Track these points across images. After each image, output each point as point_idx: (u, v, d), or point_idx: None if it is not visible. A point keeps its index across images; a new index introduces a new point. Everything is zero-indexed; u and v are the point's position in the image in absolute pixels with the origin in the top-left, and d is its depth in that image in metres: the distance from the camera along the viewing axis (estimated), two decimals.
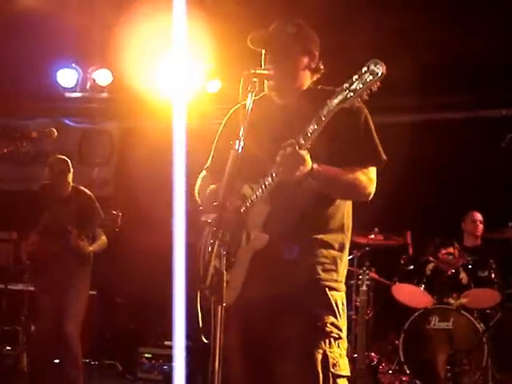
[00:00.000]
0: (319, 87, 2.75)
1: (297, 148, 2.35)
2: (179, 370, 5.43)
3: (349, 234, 2.72)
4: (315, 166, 2.41)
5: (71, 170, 5.42)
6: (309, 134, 2.36)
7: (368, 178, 2.59)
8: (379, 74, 2.21)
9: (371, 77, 2.22)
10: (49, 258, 5.23)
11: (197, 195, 2.93)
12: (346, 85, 2.29)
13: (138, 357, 6.53)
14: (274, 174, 2.46)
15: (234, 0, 6.34)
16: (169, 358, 6.44)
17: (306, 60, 2.72)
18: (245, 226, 2.55)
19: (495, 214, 6.34)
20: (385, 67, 2.22)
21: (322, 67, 2.77)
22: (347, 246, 2.72)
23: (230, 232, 2.50)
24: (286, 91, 2.72)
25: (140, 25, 6.14)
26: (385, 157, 2.65)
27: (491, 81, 6.51)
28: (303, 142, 2.37)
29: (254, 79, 2.51)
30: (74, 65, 7.44)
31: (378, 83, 2.23)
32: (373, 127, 2.66)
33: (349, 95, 2.27)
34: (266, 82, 2.67)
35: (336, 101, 2.30)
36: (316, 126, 2.35)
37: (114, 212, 5.20)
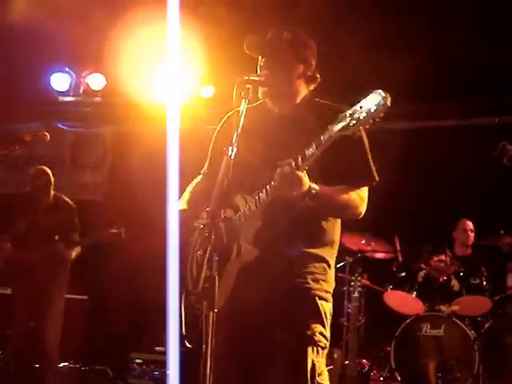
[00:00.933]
0: (316, 100, 2.76)
1: (294, 169, 2.36)
2: (173, 375, 5.44)
3: (336, 248, 2.75)
4: (313, 185, 2.43)
5: (52, 181, 5.61)
6: (307, 156, 2.37)
7: (360, 198, 2.63)
8: (384, 106, 2.22)
9: (375, 108, 2.22)
10: (26, 266, 5.34)
11: (183, 196, 2.92)
12: (350, 112, 2.28)
13: (129, 362, 6.50)
14: (268, 191, 2.46)
15: (228, 6, 6.35)
16: (160, 364, 6.42)
17: (301, 68, 2.72)
18: (236, 238, 2.55)
19: (487, 221, 6.36)
20: (390, 99, 2.22)
21: (318, 76, 2.78)
22: (334, 259, 2.75)
23: (221, 243, 2.52)
24: (280, 98, 2.72)
25: (134, 30, 6.14)
26: (377, 177, 2.68)
27: (484, 88, 6.53)
28: (301, 163, 2.37)
29: (248, 85, 2.52)
30: (67, 69, 7.43)
31: (382, 114, 2.23)
32: (367, 146, 2.68)
33: (351, 123, 2.27)
34: (260, 88, 2.67)
35: (338, 127, 2.30)
36: (315, 150, 2.35)
37: (115, 230, 5.45)
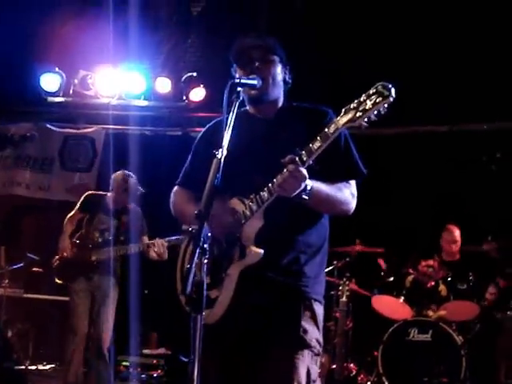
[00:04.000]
0: (295, 104, 2.78)
1: (300, 165, 2.34)
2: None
3: (327, 247, 2.76)
4: (310, 182, 2.41)
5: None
6: (313, 151, 2.35)
7: (351, 194, 2.64)
8: (388, 97, 2.23)
9: (380, 98, 2.23)
10: (88, 266, 5.39)
11: (172, 210, 2.90)
12: (354, 105, 2.29)
13: (116, 365, 6.47)
14: (272, 190, 2.44)
15: (220, 9, 6.36)
16: (147, 367, 6.40)
17: (284, 71, 2.74)
18: (238, 240, 2.53)
19: (475, 227, 6.38)
20: (394, 90, 2.23)
21: (290, 81, 2.79)
22: (326, 258, 2.76)
23: (221, 248, 2.52)
24: (268, 103, 2.71)
25: (122, 30, 6.14)
26: (365, 170, 2.68)
27: (473, 95, 6.56)
28: (306, 158, 2.36)
29: (239, 88, 2.51)
30: (57, 69, 7.39)
31: (386, 105, 2.24)
32: (351, 141, 2.68)
33: (357, 115, 2.28)
34: (250, 92, 2.65)
35: (344, 119, 2.31)
36: (321, 144, 2.34)
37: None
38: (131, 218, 5.52)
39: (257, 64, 2.64)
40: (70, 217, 5.61)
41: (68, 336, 5.41)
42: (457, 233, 6.35)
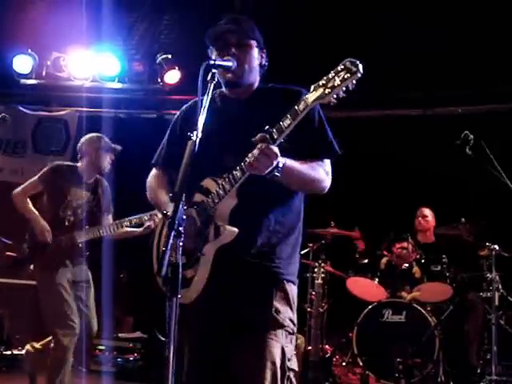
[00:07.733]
0: (270, 85, 2.78)
1: (270, 143, 2.35)
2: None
3: (301, 227, 2.76)
4: (282, 159, 2.41)
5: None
6: (283, 129, 2.36)
7: (325, 172, 2.64)
8: (356, 73, 2.25)
9: (348, 75, 2.26)
10: (71, 247, 4.77)
11: (147, 193, 2.89)
12: (323, 81, 2.31)
13: (91, 349, 6.45)
14: (244, 169, 2.44)
15: None
16: (122, 351, 6.40)
17: (261, 55, 2.75)
18: (212, 219, 2.54)
19: (448, 209, 6.45)
20: (361, 66, 2.26)
21: (266, 64, 2.79)
22: (300, 238, 2.77)
23: (195, 228, 2.52)
24: (242, 86, 2.71)
25: (96, 12, 6.06)
26: (339, 149, 2.69)
27: (448, 78, 6.61)
28: (276, 136, 2.36)
29: (214, 70, 2.50)
30: (30, 51, 7.28)
31: (354, 81, 2.27)
32: (325, 120, 2.69)
33: (326, 91, 2.30)
34: (224, 75, 2.64)
35: (314, 97, 2.33)
36: (291, 121, 2.36)
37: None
38: (103, 192, 4.93)
39: (233, 49, 2.64)
40: (24, 188, 4.81)
41: (60, 332, 4.64)
42: (427, 211, 6.49)
